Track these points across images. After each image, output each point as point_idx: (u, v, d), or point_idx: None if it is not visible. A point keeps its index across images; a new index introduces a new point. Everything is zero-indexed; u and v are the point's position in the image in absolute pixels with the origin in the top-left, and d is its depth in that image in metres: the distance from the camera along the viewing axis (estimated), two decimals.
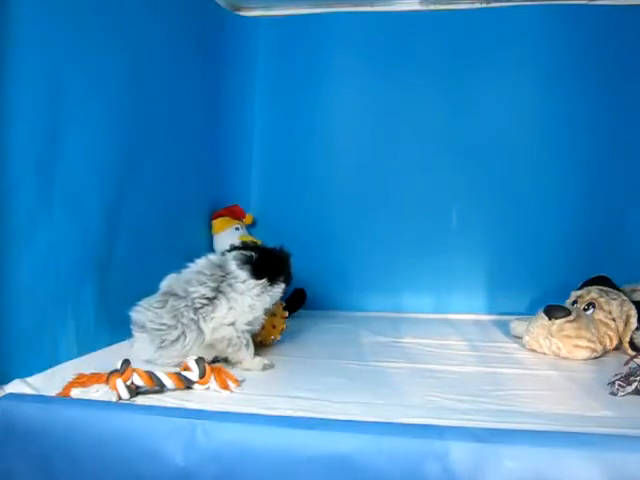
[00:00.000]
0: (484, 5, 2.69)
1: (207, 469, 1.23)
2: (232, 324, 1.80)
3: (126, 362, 1.50)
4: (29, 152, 1.59)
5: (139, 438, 1.27)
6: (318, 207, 2.78)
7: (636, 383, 1.58)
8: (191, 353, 1.72)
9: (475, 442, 1.14)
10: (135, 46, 2.05)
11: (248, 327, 1.84)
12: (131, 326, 1.82)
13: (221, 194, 2.82)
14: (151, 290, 1.86)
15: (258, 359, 1.84)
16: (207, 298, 1.79)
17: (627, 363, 1.70)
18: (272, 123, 2.92)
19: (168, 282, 1.87)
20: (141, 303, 1.83)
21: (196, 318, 1.77)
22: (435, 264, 2.39)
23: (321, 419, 1.33)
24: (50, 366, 1.64)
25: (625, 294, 2.17)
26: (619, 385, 1.59)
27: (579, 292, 2.20)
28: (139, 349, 1.80)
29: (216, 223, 2.73)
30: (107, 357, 1.75)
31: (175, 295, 1.80)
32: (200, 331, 1.77)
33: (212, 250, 2.71)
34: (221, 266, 1.85)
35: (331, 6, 2.80)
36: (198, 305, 1.77)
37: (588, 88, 2.62)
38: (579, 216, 2.65)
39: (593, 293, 2.15)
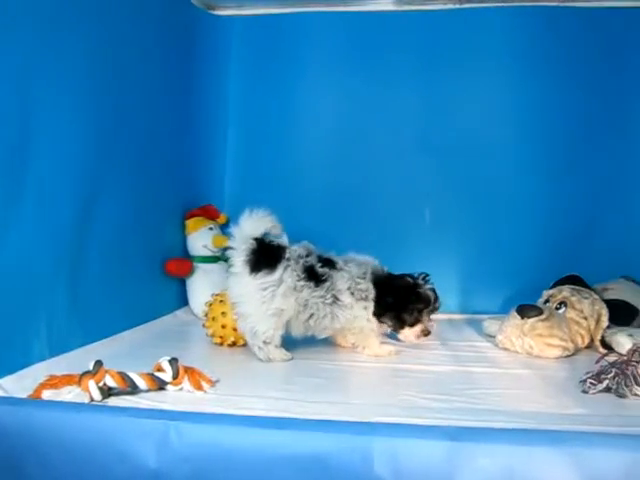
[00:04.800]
0: (457, 6, 2.70)
1: (180, 470, 1.22)
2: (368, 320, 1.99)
3: (98, 363, 1.48)
4: None
5: (112, 440, 1.25)
6: (292, 207, 2.76)
7: (607, 381, 1.60)
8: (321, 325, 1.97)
9: (449, 441, 1.14)
10: (107, 45, 2.02)
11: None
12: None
13: (195, 194, 2.80)
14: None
15: (385, 346, 2.04)
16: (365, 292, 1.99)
17: (598, 361, 1.72)
18: (246, 122, 2.91)
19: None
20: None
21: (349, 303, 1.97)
22: (408, 263, 2.38)
23: (294, 419, 1.32)
24: (21, 367, 1.61)
25: (596, 293, 2.19)
26: (590, 383, 1.61)
27: (551, 291, 2.22)
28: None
29: (189, 223, 2.71)
30: (79, 358, 1.73)
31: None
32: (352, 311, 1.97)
33: (185, 251, 2.70)
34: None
35: (305, 6, 2.79)
36: (359, 296, 1.98)
37: (562, 89, 2.64)
38: (551, 216, 2.67)
39: (565, 292, 2.17)
